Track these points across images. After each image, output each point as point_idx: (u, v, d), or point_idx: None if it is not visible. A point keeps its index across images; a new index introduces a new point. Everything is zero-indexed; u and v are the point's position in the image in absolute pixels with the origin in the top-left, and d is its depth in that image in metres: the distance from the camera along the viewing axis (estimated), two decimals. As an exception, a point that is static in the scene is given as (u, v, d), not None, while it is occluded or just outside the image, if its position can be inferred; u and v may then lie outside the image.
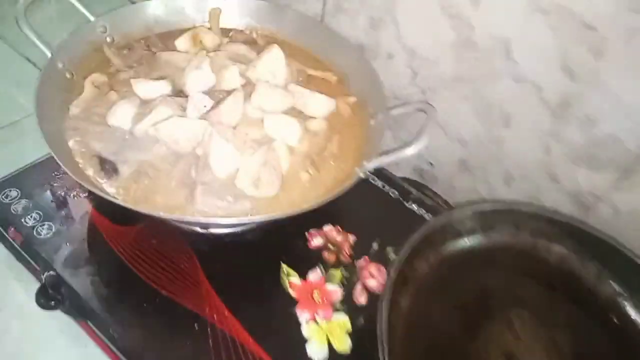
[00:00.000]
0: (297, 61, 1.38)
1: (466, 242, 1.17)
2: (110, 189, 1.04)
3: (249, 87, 1.22)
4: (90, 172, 1.05)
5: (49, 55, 1.15)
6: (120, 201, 0.96)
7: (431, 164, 1.53)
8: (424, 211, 1.37)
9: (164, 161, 1.08)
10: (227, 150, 1.07)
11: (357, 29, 1.40)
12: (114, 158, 1.07)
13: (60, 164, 0.96)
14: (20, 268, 1.19)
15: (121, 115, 1.13)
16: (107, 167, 1.05)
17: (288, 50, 1.35)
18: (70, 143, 1.09)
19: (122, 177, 1.05)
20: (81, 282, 1.09)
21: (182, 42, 1.35)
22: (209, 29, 1.43)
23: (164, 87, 1.18)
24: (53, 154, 0.97)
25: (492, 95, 1.23)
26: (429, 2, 1.20)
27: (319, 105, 1.25)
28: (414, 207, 1.36)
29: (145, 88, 1.17)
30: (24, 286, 1.20)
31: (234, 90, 1.17)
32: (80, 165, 1.06)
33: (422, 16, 1.23)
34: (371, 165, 1.09)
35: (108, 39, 1.32)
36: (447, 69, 1.28)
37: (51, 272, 1.12)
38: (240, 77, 1.21)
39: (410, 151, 1.04)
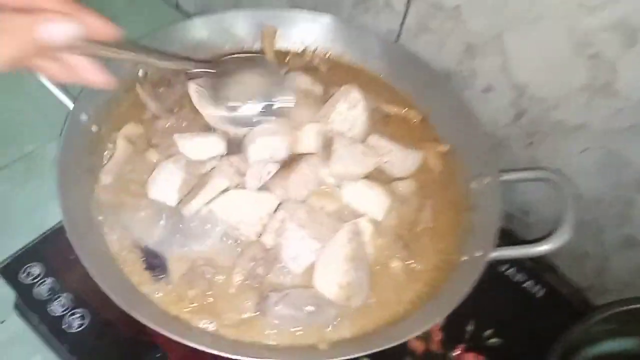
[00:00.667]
0: (369, 94, 1.11)
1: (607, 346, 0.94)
2: (159, 295, 0.82)
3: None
4: (132, 274, 0.83)
5: (70, 106, 0.91)
6: (187, 340, 0.73)
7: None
8: (526, 278, 1.13)
9: (224, 254, 0.85)
10: (304, 240, 0.83)
11: (445, 54, 1.13)
12: (161, 249, 0.85)
13: (91, 273, 0.75)
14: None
15: (164, 185, 0.89)
16: (154, 265, 0.82)
17: (356, 78, 1.09)
18: (105, 231, 0.87)
19: (172, 279, 0.83)
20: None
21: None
22: (261, 52, 1.16)
23: (217, 144, 0.93)
24: (81, 258, 0.75)
25: (629, 152, 0.97)
26: (559, 36, 0.92)
27: (407, 161, 1.00)
28: (512, 273, 1.12)
29: (193, 147, 0.92)
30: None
31: (305, 154, 0.92)
32: (119, 264, 0.83)
33: (546, 50, 0.95)
34: (491, 257, 0.85)
35: (140, 73, 1.06)
36: (568, 114, 1.01)
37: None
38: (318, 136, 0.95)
39: (545, 248, 0.80)
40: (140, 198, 0.90)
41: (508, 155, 1.12)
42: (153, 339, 0.93)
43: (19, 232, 1.11)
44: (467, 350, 1.03)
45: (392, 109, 1.11)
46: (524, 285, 1.16)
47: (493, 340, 1.05)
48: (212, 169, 0.90)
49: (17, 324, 1.04)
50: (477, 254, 0.87)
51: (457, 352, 1.03)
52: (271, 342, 0.81)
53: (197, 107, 0.95)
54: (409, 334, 0.78)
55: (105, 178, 0.92)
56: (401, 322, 0.83)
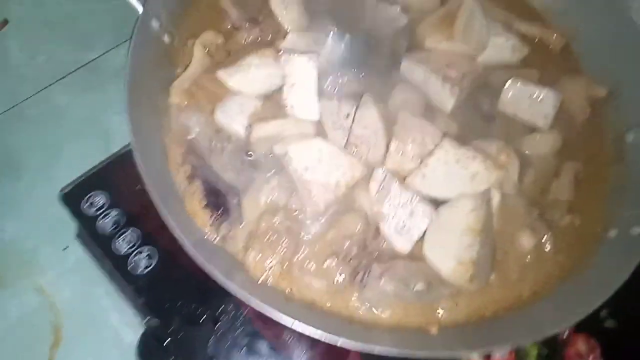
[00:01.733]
0: (498, 6, 0.88)
1: None
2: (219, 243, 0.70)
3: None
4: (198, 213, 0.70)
5: (140, 10, 0.73)
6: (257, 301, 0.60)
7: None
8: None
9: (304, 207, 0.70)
10: (413, 205, 0.67)
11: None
12: (226, 188, 0.70)
13: (160, 208, 0.62)
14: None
15: (234, 112, 0.74)
16: (215, 205, 0.69)
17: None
18: (172, 162, 0.73)
19: (236, 225, 0.70)
20: (197, 338, 0.80)
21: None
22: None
23: (274, 77, 0.76)
24: (149, 191, 0.62)
25: None
26: None
27: (542, 106, 0.78)
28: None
29: (248, 81, 0.75)
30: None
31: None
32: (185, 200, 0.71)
33: None
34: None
35: (222, -27, 0.86)
36: None
37: (154, 320, 0.83)
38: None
39: None
40: (210, 125, 0.74)
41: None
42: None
43: (78, 155, 1.00)
44: (578, 331, 0.87)
45: (525, 28, 0.87)
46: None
47: (608, 322, 0.89)
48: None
49: (79, 252, 0.96)
50: (635, 231, 0.69)
51: (565, 333, 0.88)
52: (367, 317, 0.67)
53: (275, 10, 0.78)
54: (538, 333, 0.62)
55: (175, 96, 0.76)
56: (529, 308, 0.67)
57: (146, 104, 0.74)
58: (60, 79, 1.12)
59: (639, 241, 0.67)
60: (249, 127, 0.73)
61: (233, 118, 0.74)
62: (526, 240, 0.71)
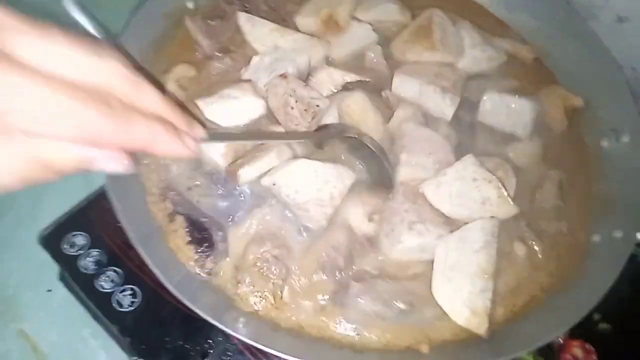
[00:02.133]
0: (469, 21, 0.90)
1: None
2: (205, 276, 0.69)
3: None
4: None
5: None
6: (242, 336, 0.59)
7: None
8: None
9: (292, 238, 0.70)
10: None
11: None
12: (209, 222, 0.70)
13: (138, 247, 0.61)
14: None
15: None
16: (199, 240, 0.68)
17: (455, 6, 0.87)
18: (151, 200, 0.72)
19: (222, 259, 0.69)
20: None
21: (307, 22, 0.87)
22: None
23: (254, 107, 0.76)
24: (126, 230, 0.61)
25: None
26: None
27: (522, 116, 0.79)
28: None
29: (221, 112, 0.75)
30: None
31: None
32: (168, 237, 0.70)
33: None
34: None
35: (189, 4, 0.87)
36: None
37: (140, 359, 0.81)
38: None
39: None
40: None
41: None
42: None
43: (60, 194, 0.98)
44: (572, 336, 0.87)
45: (498, 43, 0.88)
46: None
47: (602, 325, 0.89)
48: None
49: (63, 294, 0.94)
50: (617, 234, 0.69)
51: (559, 338, 0.87)
52: (355, 341, 0.66)
53: (248, 38, 0.78)
54: (533, 343, 0.61)
55: None
56: (521, 320, 0.67)
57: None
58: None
59: (621, 245, 0.67)
60: (232, 164, 0.72)
61: (211, 148, 0.73)
62: (518, 250, 0.71)
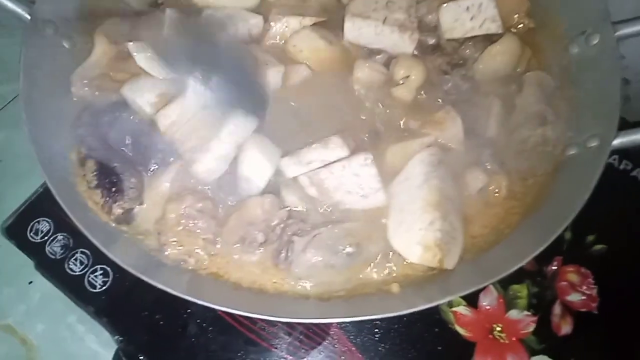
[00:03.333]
0: None
1: None
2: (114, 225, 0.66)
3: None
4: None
5: (27, 18, 0.68)
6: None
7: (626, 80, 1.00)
8: (633, 166, 0.89)
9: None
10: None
11: None
12: (121, 168, 0.66)
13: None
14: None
15: (143, 89, 0.68)
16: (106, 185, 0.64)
17: None
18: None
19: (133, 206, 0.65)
20: (168, 351, 0.76)
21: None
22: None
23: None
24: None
25: None
26: None
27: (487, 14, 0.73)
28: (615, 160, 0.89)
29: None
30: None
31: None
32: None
33: None
34: (613, 146, 0.61)
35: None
36: None
37: (121, 337, 0.79)
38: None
39: None
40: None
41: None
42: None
43: (21, 184, 0.96)
44: (566, 262, 0.83)
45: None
46: (633, 173, 0.92)
47: (597, 247, 0.85)
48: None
49: (44, 284, 0.92)
50: (592, 144, 0.64)
51: (553, 266, 0.83)
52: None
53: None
54: (507, 268, 0.57)
55: (77, 82, 0.71)
56: (494, 249, 0.63)
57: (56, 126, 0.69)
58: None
59: (596, 154, 0.62)
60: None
61: (140, 94, 0.68)
62: (476, 181, 0.66)
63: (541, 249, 0.56)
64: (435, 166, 0.63)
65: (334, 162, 0.62)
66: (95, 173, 0.65)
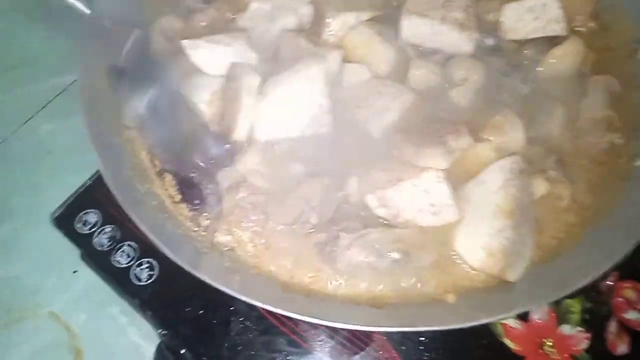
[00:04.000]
0: None
1: None
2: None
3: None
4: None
5: (87, 12, 0.69)
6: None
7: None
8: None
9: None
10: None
11: None
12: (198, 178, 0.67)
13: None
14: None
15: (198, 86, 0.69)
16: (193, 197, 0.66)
17: None
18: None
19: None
20: (211, 347, 0.76)
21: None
22: None
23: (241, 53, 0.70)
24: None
25: None
26: None
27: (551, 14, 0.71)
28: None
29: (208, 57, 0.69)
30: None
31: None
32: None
33: None
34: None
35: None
36: None
37: (165, 331, 0.79)
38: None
39: None
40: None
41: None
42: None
43: (68, 175, 0.98)
44: (623, 278, 0.79)
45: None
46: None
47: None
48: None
49: (89, 274, 0.93)
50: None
51: (609, 281, 0.80)
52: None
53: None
54: (569, 286, 0.54)
55: None
56: (554, 261, 0.60)
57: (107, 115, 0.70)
58: (41, 108, 1.10)
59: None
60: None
61: (196, 93, 0.69)
62: (538, 188, 0.63)
63: (611, 264, 0.53)
64: (516, 174, 0.61)
65: (404, 181, 0.61)
66: (176, 187, 0.67)
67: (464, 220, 0.62)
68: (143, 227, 0.59)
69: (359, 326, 0.55)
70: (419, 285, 0.61)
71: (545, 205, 0.64)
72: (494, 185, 0.61)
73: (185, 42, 0.69)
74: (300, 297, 0.62)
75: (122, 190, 0.61)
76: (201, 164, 0.67)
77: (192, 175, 0.68)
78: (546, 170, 0.64)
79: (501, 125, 0.67)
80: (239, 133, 0.66)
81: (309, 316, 0.56)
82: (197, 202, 0.67)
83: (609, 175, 0.65)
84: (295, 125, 0.65)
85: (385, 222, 0.63)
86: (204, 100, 0.67)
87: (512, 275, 0.58)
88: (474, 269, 0.60)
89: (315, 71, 0.64)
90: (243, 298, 0.57)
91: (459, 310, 0.57)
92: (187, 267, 0.58)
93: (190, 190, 0.67)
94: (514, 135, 0.65)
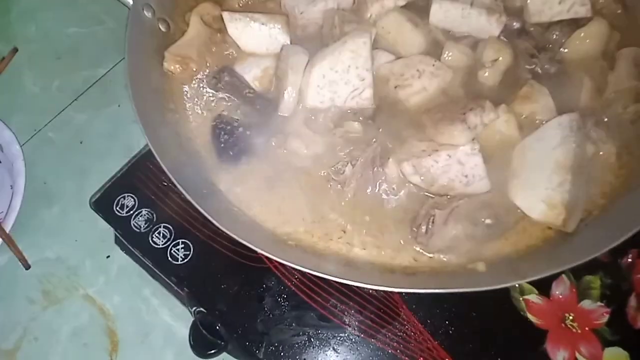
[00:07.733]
0: None
1: None
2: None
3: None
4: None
5: (130, 2, 0.73)
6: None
7: None
8: None
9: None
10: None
11: None
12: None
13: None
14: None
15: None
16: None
17: None
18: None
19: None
20: (245, 321, 0.79)
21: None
22: None
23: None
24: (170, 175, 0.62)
25: None
26: None
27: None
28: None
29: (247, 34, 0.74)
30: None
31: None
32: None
33: None
34: None
35: None
36: None
37: (201, 309, 0.83)
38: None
39: None
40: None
41: None
42: (267, 263, 0.82)
43: (101, 163, 1.03)
44: (644, 254, 0.82)
45: None
46: None
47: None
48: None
49: (122, 258, 0.98)
50: None
51: (628, 258, 0.82)
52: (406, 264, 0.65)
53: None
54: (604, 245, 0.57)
55: (171, 59, 0.76)
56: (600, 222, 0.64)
57: (152, 98, 0.74)
58: (75, 99, 1.15)
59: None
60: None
61: (248, 70, 0.75)
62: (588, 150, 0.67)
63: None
64: (575, 131, 0.64)
65: (439, 150, 0.64)
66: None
67: (522, 175, 0.65)
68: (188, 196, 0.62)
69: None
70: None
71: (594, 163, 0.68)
72: (554, 141, 0.64)
73: (225, 14, 0.73)
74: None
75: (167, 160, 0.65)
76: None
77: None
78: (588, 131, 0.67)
79: (529, 94, 0.70)
80: (285, 106, 0.70)
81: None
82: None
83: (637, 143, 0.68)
84: (339, 95, 0.69)
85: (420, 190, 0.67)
86: (255, 77, 0.73)
87: (571, 226, 0.62)
88: (535, 222, 0.64)
89: (360, 44, 0.67)
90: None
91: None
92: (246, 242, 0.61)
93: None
94: (544, 102, 0.69)
